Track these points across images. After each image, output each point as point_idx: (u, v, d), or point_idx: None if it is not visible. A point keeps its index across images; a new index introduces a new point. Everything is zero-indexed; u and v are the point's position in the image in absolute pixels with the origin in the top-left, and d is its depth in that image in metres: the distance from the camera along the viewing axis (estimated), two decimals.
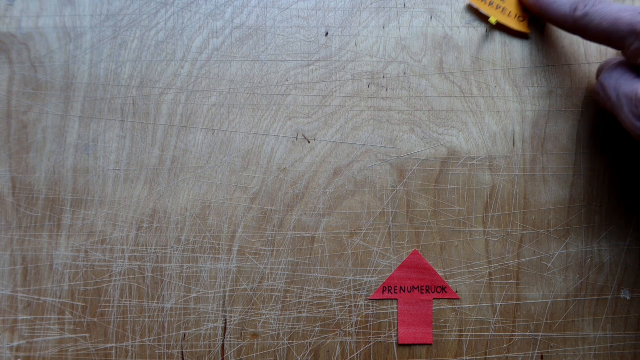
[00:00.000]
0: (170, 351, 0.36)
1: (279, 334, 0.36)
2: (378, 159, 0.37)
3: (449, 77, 0.37)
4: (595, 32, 0.32)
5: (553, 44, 0.37)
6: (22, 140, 0.37)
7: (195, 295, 0.36)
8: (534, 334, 0.36)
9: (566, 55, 0.37)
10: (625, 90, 0.31)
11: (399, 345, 0.36)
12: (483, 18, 0.37)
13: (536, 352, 0.36)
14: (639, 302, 0.37)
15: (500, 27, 0.37)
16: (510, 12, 0.37)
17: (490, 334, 0.36)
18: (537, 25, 0.37)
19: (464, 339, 0.36)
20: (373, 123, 0.37)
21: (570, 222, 0.37)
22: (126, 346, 0.36)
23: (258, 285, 0.36)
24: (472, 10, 0.37)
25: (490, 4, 0.37)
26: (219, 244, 0.37)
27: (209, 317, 0.36)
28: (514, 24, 0.37)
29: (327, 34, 0.37)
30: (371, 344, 0.36)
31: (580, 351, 0.36)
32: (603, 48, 0.37)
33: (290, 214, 0.37)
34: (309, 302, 0.36)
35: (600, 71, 0.36)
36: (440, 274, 0.37)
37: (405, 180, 0.37)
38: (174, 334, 0.36)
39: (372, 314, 0.36)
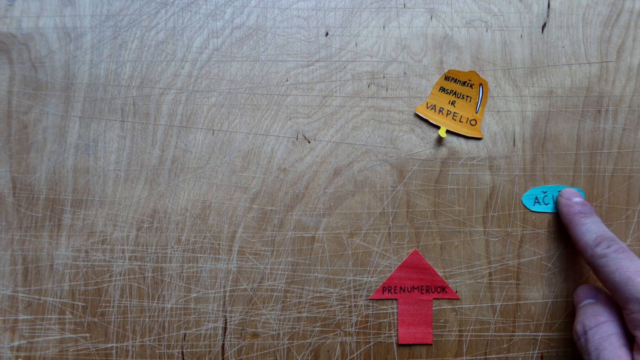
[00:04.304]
0: (170, 351, 0.36)
1: (279, 334, 0.36)
2: (378, 159, 0.37)
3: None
4: (605, 279, 0.30)
5: (553, 44, 0.37)
6: (22, 140, 0.37)
7: (195, 295, 0.36)
8: (533, 334, 0.36)
9: (566, 55, 0.37)
10: (607, 357, 0.28)
11: (399, 345, 0.36)
12: (434, 126, 0.37)
13: (536, 352, 0.36)
14: None
15: (453, 132, 0.37)
16: (461, 117, 0.36)
17: (490, 334, 0.36)
18: (537, 25, 0.37)
19: (463, 339, 0.36)
20: (373, 123, 0.37)
21: None
22: (126, 346, 0.36)
23: (258, 285, 0.36)
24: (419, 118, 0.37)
25: (440, 110, 0.36)
26: (219, 244, 0.37)
27: (209, 317, 0.36)
28: (465, 130, 0.36)
29: (327, 34, 0.37)
30: (371, 344, 0.36)
31: None
32: (604, 49, 0.37)
33: (290, 214, 0.37)
34: (309, 302, 0.36)
35: (578, 302, 0.33)
36: (440, 274, 0.37)
37: (405, 180, 0.37)
38: (174, 333, 0.36)
39: (372, 314, 0.36)
